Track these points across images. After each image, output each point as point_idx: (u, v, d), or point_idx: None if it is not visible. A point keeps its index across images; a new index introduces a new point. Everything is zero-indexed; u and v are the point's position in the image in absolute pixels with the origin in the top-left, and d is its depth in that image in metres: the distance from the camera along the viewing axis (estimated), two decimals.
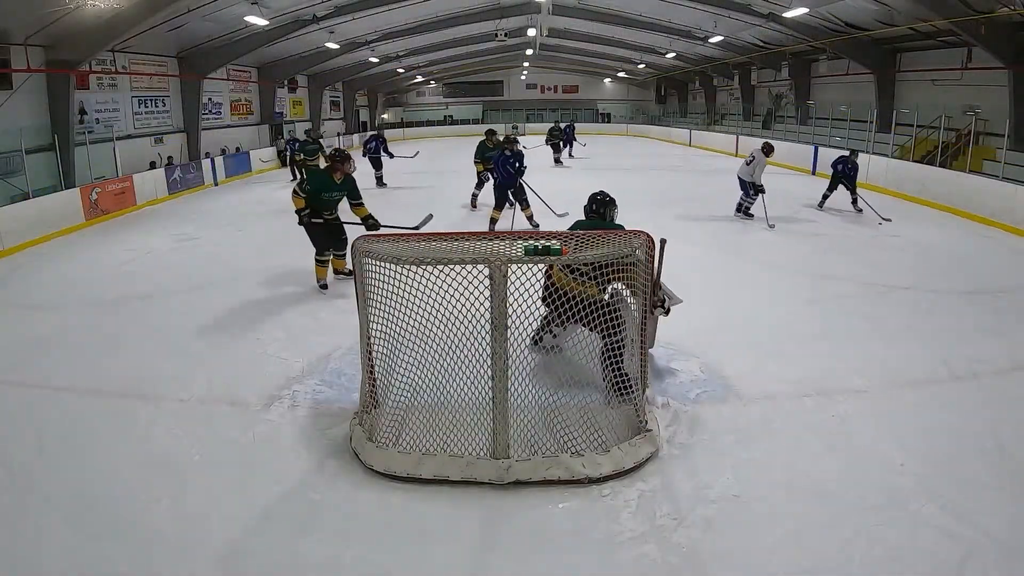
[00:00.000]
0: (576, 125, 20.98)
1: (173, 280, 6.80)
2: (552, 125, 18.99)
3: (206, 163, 15.27)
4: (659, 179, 14.44)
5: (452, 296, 2.95)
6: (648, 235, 3.32)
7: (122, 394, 4.06)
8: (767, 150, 8.96)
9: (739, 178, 9.24)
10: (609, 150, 22.05)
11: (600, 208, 4.04)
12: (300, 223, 5.90)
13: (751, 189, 9.09)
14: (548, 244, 3.02)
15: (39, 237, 9.18)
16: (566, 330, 3.61)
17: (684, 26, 18.33)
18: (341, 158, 5.91)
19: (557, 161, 17.53)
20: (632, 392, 3.33)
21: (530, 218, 8.44)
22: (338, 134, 25.77)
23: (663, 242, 3.49)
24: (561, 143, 18.21)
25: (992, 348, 4.50)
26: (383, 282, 3.10)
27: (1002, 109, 11.25)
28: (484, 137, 10.43)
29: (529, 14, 18.91)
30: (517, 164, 8.20)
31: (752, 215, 9.26)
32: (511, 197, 8.25)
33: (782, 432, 3.42)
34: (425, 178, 14.50)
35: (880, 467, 3.08)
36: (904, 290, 5.89)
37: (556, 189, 10.07)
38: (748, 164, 9.04)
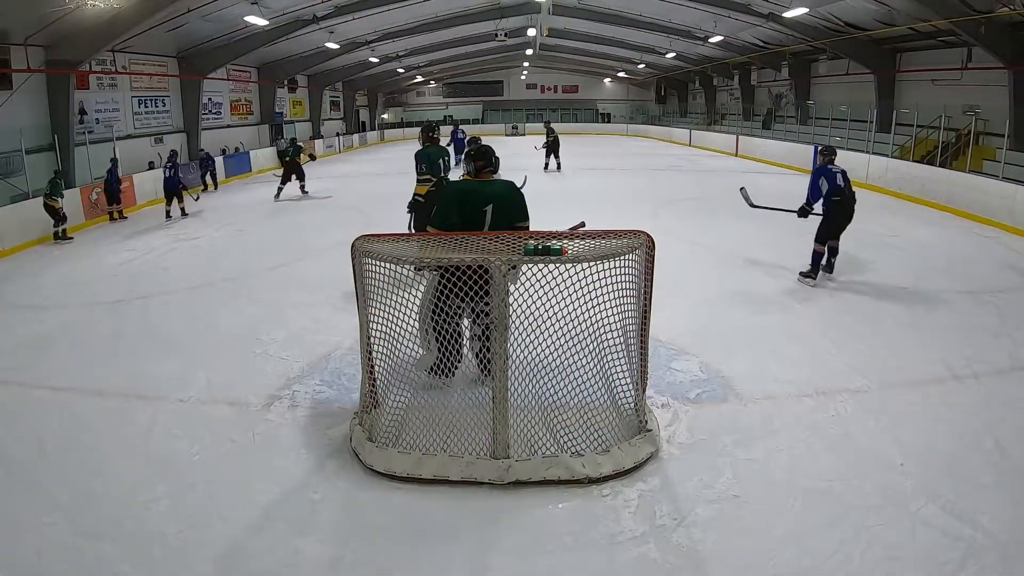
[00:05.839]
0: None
1: (173, 280, 6.80)
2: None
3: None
4: (659, 179, 14.44)
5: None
6: (648, 235, 3.31)
7: (122, 394, 4.06)
8: None
9: None
10: (609, 150, 22.05)
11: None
12: None
13: None
14: (548, 244, 3.02)
15: (39, 237, 9.19)
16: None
17: (684, 26, 18.32)
18: None
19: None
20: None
21: None
22: (337, 134, 25.84)
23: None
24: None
25: (992, 348, 4.50)
26: (383, 282, 3.10)
27: (1002, 109, 11.23)
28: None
29: (529, 14, 18.91)
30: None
31: None
32: None
33: (782, 432, 3.42)
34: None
35: (880, 467, 3.08)
36: (904, 290, 5.88)
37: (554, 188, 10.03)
38: None
